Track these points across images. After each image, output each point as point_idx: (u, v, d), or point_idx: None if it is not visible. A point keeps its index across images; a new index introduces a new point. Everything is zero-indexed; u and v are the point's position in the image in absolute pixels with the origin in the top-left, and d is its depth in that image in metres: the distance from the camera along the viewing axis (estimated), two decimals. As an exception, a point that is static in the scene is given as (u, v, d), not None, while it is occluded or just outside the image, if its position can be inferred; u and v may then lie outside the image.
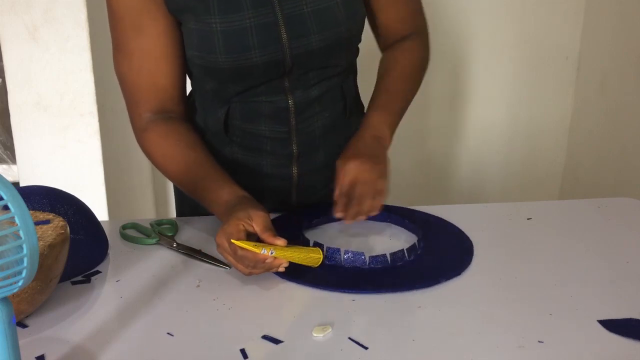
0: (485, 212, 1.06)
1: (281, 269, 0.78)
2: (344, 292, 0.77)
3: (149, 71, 0.92)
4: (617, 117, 2.06)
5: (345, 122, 1.04)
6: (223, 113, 0.97)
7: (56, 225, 0.74)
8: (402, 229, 0.97)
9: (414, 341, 0.67)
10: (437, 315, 0.72)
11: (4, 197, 0.48)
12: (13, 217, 0.48)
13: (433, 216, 1.00)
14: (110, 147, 1.74)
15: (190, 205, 1.08)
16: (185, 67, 0.96)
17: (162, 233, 0.94)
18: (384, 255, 0.83)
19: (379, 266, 0.83)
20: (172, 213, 2.21)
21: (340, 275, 0.81)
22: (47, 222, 0.75)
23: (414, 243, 0.88)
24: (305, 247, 0.84)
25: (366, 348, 0.65)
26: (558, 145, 2.36)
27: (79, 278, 0.82)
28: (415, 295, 0.77)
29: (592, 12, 2.17)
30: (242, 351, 0.65)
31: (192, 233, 0.97)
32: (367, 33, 1.05)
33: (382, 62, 1.07)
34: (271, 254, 0.75)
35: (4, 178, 0.48)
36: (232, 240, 0.76)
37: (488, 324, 0.70)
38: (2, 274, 0.48)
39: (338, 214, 0.88)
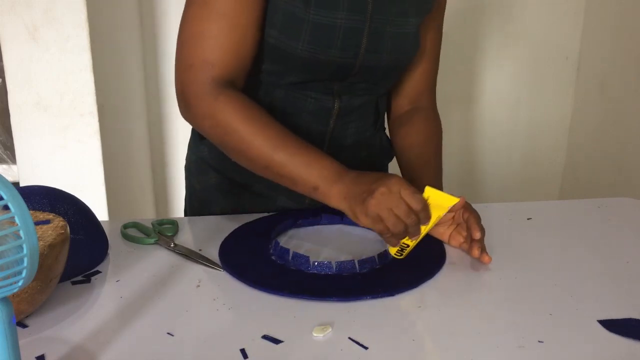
0: (485, 212, 1.05)
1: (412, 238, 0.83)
2: (340, 300, 0.77)
3: (240, 33, 0.85)
4: (617, 117, 2.06)
5: (372, 137, 1.07)
6: (268, 101, 0.95)
7: (56, 225, 0.74)
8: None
9: (414, 341, 0.67)
10: (437, 315, 0.72)
11: (4, 197, 0.48)
12: (13, 217, 0.48)
13: None
14: (110, 147, 1.74)
15: (199, 199, 1.10)
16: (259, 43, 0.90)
17: (162, 233, 0.94)
18: (372, 258, 0.84)
19: (366, 270, 0.83)
20: (172, 213, 2.22)
21: (331, 283, 0.81)
22: (47, 222, 0.75)
23: (385, 250, 0.86)
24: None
25: (366, 348, 0.65)
26: (558, 145, 2.36)
27: (79, 278, 0.82)
28: (415, 295, 0.77)
29: (592, 12, 2.17)
30: (242, 351, 0.65)
31: (192, 233, 0.97)
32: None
33: (408, 136, 1.07)
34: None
35: (4, 178, 0.48)
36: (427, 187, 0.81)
37: (488, 324, 0.70)
38: (2, 274, 0.48)
39: (487, 259, 0.85)
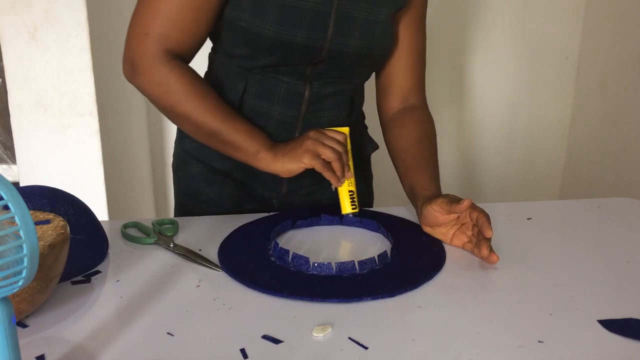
0: (485, 212, 1.06)
1: (348, 176, 0.94)
2: (340, 301, 0.77)
3: (196, 10, 0.91)
4: (617, 117, 2.06)
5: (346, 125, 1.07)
6: (242, 87, 1.00)
7: (56, 225, 0.74)
8: (378, 234, 0.97)
9: (414, 341, 0.67)
10: (437, 315, 0.72)
11: (4, 197, 0.48)
12: (13, 217, 0.48)
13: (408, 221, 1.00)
14: (110, 147, 1.74)
15: (185, 190, 1.13)
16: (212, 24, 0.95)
17: (162, 233, 0.94)
18: (373, 259, 0.84)
19: (366, 271, 0.83)
20: (172, 213, 2.22)
21: (332, 284, 0.81)
22: (47, 222, 0.75)
23: (385, 250, 0.86)
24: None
25: (366, 348, 0.65)
26: (558, 145, 2.36)
27: (79, 278, 0.82)
28: (415, 295, 0.77)
29: (592, 12, 2.17)
30: (242, 351, 0.65)
31: (192, 233, 0.97)
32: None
33: (404, 134, 1.07)
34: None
35: (4, 178, 0.48)
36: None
37: (488, 324, 0.70)
38: (2, 274, 0.48)
39: (495, 259, 0.85)
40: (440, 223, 0.91)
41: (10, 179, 1.81)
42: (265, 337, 0.67)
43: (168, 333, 0.68)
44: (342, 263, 0.81)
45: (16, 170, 1.75)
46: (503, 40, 2.22)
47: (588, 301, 0.75)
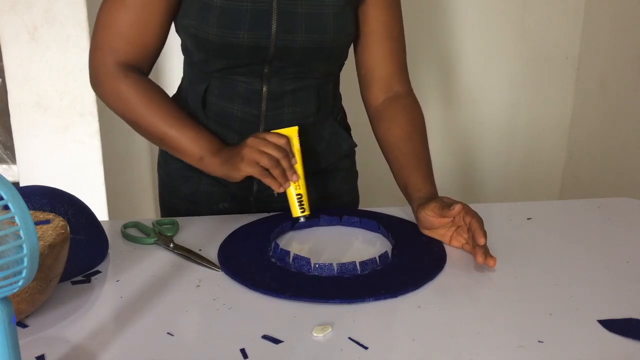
0: (485, 212, 1.05)
1: (293, 179, 0.92)
2: (339, 302, 0.76)
3: (142, 25, 0.96)
4: (617, 117, 2.06)
5: (315, 124, 1.07)
6: (203, 88, 1.03)
7: (56, 225, 0.74)
8: (378, 234, 0.97)
9: (414, 341, 0.67)
10: (437, 315, 0.72)
11: (4, 197, 0.48)
12: (13, 217, 0.48)
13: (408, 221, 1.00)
14: (110, 147, 1.74)
15: (166, 187, 1.16)
16: (167, 35, 1.01)
17: (162, 233, 0.94)
18: (373, 259, 0.84)
19: (367, 271, 0.82)
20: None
21: (333, 285, 0.80)
22: (47, 222, 0.75)
23: (386, 251, 0.87)
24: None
25: (366, 348, 0.65)
26: (558, 145, 2.36)
27: (79, 278, 0.82)
28: (415, 296, 0.77)
29: (592, 12, 2.17)
30: (242, 351, 0.65)
31: (192, 234, 0.97)
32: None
33: (394, 126, 1.06)
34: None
35: (4, 178, 0.48)
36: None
37: (488, 324, 0.70)
38: (2, 274, 0.48)
39: (492, 263, 0.84)
40: (437, 226, 0.91)
41: (10, 179, 1.81)
42: (265, 337, 0.67)
43: (168, 333, 0.68)
44: (343, 264, 0.81)
45: (16, 170, 1.75)
46: (503, 40, 2.22)
47: (588, 301, 0.75)
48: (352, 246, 0.93)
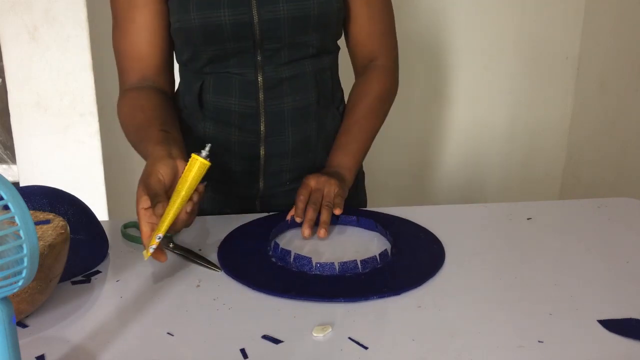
0: (485, 212, 1.06)
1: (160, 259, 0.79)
2: (338, 301, 0.76)
3: (137, 41, 0.99)
4: (617, 117, 2.06)
5: (317, 112, 1.06)
6: (198, 86, 1.02)
7: (56, 225, 0.74)
8: (376, 233, 0.97)
9: (414, 341, 0.67)
10: (437, 315, 0.72)
11: (4, 197, 0.48)
12: (13, 217, 0.48)
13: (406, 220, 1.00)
14: (110, 147, 1.74)
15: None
16: (169, 40, 1.02)
17: (162, 233, 0.94)
18: (374, 258, 0.84)
19: (368, 270, 0.83)
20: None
21: (335, 284, 0.80)
22: (47, 222, 0.75)
23: (385, 249, 0.87)
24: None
25: (366, 348, 0.65)
26: (558, 145, 2.36)
27: (79, 278, 0.82)
28: (415, 295, 0.77)
29: (592, 12, 2.17)
30: (242, 351, 0.65)
31: (192, 233, 0.97)
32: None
33: (350, 95, 1.11)
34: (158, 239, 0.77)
35: (4, 178, 0.48)
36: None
37: (488, 324, 0.70)
38: (2, 274, 0.48)
39: (297, 219, 0.93)
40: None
41: (10, 179, 1.80)
42: (265, 337, 0.67)
43: (168, 333, 0.68)
44: (344, 263, 0.82)
45: (16, 170, 1.75)
46: (503, 40, 2.22)
47: (588, 301, 0.75)
48: (350, 245, 0.93)
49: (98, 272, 0.84)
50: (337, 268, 0.81)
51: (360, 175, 1.19)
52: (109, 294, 0.78)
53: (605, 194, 2.08)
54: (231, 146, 1.04)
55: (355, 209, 1.06)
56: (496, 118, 2.30)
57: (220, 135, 1.03)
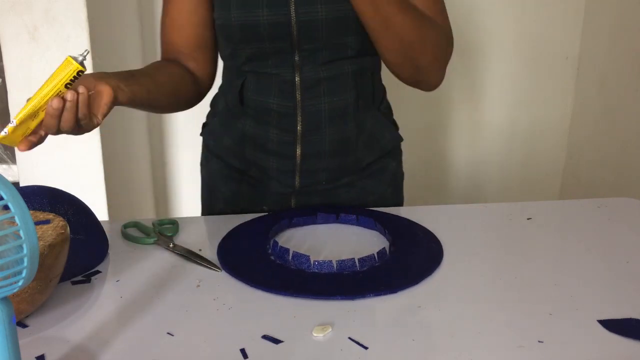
0: (484, 212, 1.06)
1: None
2: (339, 299, 0.77)
3: (174, 26, 1.04)
4: (617, 117, 2.06)
5: (356, 113, 1.03)
6: (239, 84, 1.03)
7: (56, 225, 0.74)
8: (375, 231, 0.97)
9: (414, 341, 0.67)
10: (437, 315, 0.72)
11: (4, 197, 0.48)
12: (13, 217, 0.48)
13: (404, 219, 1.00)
14: (110, 147, 1.74)
15: (207, 187, 1.17)
16: (204, 30, 1.04)
17: (162, 233, 0.94)
18: (372, 256, 0.84)
19: (366, 268, 0.83)
20: (172, 213, 2.22)
21: (333, 281, 0.80)
22: (47, 222, 0.75)
23: (384, 247, 0.87)
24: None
25: (366, 348, 0.65)
26: (558, 145, 2.36)
27: (79, 278, 0.82)
28: (415, 295, 0.77)
29: (592, 12, 2.17)
30: (242, 351, 0.65)
31: (192, 233, 0.97)
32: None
33: None
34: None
35: (4, 178, 0.48)
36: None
37: (488, 324, 0.70)
38: (2, 274, 0.48)
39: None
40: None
41: (10, 179, 1.80)
42: (265, 337, 0.67)
43: (168, 333, 0.68)
44: (342, 261, 0.82)
45: (16, 170, 1.75)
46: (503, 40, 2.22)
47: (588, 301, 0.75)
48: (349, 243, 0.93)
49: (98, 272, 0.84)
50: (334, 266, 0.81)
51: (399, 177, 1.17)
52: (109, 294, 0.78)
53: (605, 194, 2.08)
54: (269, 144, 1.03)
55: (355, 207, 1.06)
56: (496, 118, 2.30)
57: (258, 132, 1.03)
